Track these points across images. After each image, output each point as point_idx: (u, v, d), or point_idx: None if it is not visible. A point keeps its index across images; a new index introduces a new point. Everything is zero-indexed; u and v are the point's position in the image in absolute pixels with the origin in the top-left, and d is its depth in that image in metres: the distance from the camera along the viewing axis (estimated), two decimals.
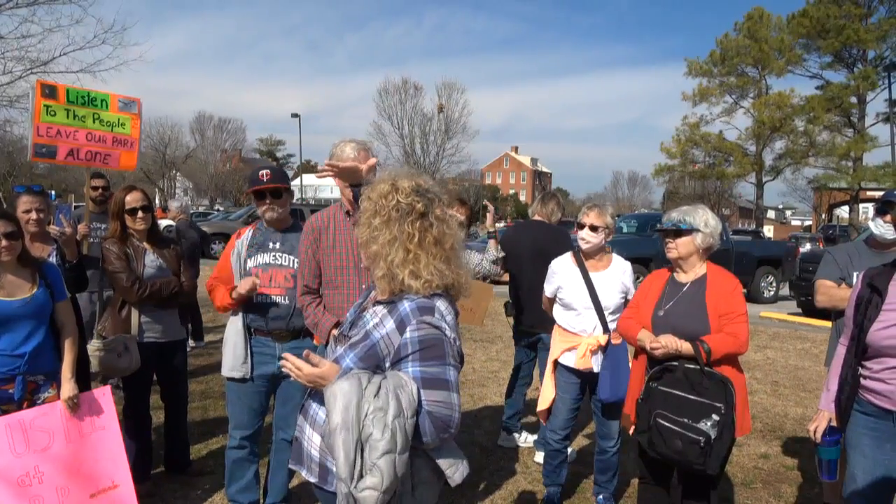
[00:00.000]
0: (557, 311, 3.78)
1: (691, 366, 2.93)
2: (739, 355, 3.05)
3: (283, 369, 1.90)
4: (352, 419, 1.62)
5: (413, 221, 1.84)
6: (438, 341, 1.77)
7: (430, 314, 1.78)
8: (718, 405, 2.85)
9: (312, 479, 1.94)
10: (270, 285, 3.30)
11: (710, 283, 3.09)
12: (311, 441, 1.91)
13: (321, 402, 1.85)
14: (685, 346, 2.94)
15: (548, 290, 3.84)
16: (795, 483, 4.32)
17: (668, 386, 2.96)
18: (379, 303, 1.89)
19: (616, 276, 3.68)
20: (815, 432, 2.76)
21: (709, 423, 2.82)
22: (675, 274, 3.22)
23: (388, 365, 1.79)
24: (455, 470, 1.84)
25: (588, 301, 3.61)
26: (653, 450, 2.99)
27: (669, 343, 2.95)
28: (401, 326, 1.78)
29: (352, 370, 1.77)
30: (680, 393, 2.92)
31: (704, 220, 3.08)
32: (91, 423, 3.20)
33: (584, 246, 3.66)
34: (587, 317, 3.62)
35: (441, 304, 1.83)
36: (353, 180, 2.62)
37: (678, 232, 3.08)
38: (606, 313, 3.60)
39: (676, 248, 3.10)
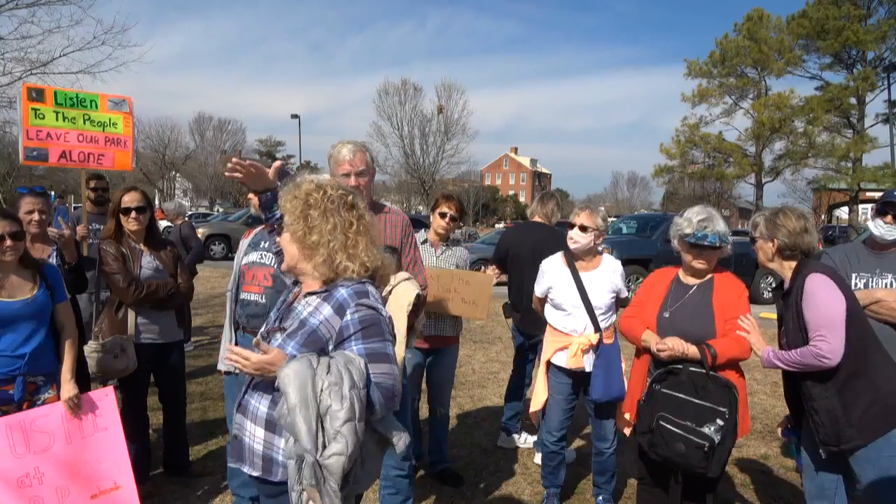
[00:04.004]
0: (548, 312, 3.78)
1: (696, 369, 2.93)
2: (743, 360, 3.05)
3: (228, 362, 1.99)
4: (309, 395, 1.72)
5: (348, 211, 2.03)
6: (377, 320, 1.94)
7: (366, 297, 1.95)
8: (723, 410, 2.85)
9: (255, 473, 2.04)
10: (252, 283, 3.33)
11: (717, 287, 3.08)
12: (254, 436, 2.02)
13: (260, 397, 2.01)
14: (691, 350, 2.94)
15: (538, 290, 3.84)
16: (795, 484, 4.32)
17: (671, 389, 2.95)
18: (311, 294, 2.02)
19: (606, 275, 3.68)
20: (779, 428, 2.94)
21: (712, 428, 2.82)
22: (681, 275, 3.20)
23: (331, 347, 1.92)
24: (399, 438, 1.95)
25: (578, 301, 3.61)
26: (654, 452, 2.98)
27: (676, 346, 2.95)
28: (340, 311, 1.93)
29: (296, 356, 1.86)
30: (684, 396, 2.92)
31: (728, 230, 3.09)
32: (92, 423, 3.20)
33: (572, 246, 3.66)
34: (578, 316, 3.62)
35: (371, 289, 1.99)
36: (259, 185, 2.47)
37: (715, 248, 3.03)
38: (598, 313, 3.60)
39: (709, 262, 3.07)
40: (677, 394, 2.93)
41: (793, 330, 2.72)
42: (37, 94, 4.33)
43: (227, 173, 2.57)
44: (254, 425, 2.01)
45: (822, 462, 2.76)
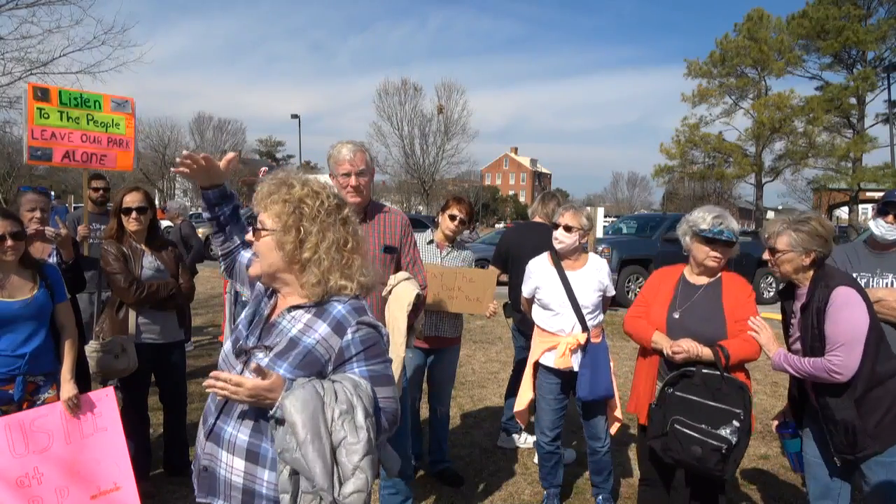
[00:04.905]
0: (536, 312, 3.78)
1: (709, 371, 2.92)
2: (752, 361, 3.05)
3: (210, 390, 1.67)
4: (320, 427, 1.56)
5: (343, 225, 1.83)
6: (377, 339, 1.79)
7: (365, 314, 1.80)
8: (738, 411, 2.84)
9: None
10: None
11: (726, 288, 3.07)
12: (231, 467, 1.77)
13: (239, 424, 1.76)
14: (705, 352, 2.93)
15: (525, 290, 3.84)
16: (795, 484, 4.32)
17: (685, 392, 2.93)
18: (296, 307, 1.81)
19: (592, 274, 3.67)
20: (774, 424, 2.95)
21: (728, 430, 2.81)
22: (687, 274, 3.19)
23: (330, 369, 1.74)
24: (394, 464, 1.88)
25: (565, 300, 3.60)
26: (668, 455, 2.95)
27: (691, 348, 2.94)
28: (339, 329, 1.74)
29: (294, 380, 1.67)
30: (698, 399, 2.90)
31: (738, 229, 3.10)
32: (92, 423, 3.20)
33: (557, 246, 3.67)
34: (565, 316, 3.61)
35: (366, 304, 1.85)
36: (205, 180, 2.13)
37: (730, 243, 3.04)
38: (585, 312, 3.60)
39: (723, 258, 3.07)
40: (691, 396, 2.91)
41: (811, 338, 2.68)
42: (42, 94, 4.35)
43: (173, 169, 2.28)
44: (231, 456, 1.76)
45: (829, 462, 2.76)
